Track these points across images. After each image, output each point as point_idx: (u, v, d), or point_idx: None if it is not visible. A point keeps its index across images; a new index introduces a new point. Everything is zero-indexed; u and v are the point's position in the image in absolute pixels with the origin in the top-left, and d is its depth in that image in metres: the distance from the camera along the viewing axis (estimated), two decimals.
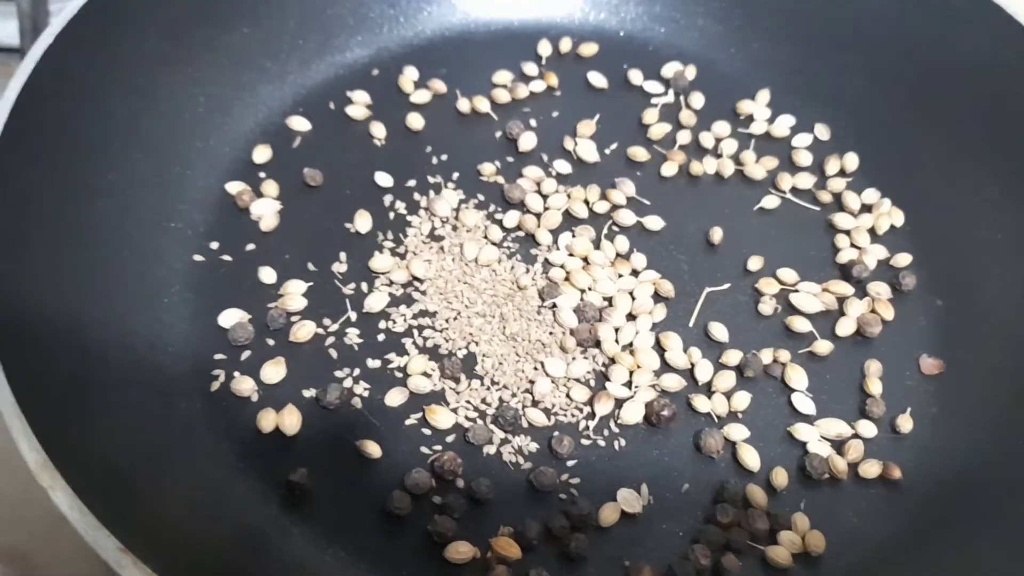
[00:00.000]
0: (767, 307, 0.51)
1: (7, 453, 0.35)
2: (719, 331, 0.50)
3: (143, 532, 0.35)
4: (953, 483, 0.45)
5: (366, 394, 0.47)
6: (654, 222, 0.54)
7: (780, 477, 0.45)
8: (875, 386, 0.49)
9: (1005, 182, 0.53)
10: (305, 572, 0.41)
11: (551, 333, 0.49)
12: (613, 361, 0.48)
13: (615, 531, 0.44)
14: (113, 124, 0.50)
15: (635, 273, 0.52)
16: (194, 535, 0.39)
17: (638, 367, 0.48)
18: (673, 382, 0.48)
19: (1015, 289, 0.51)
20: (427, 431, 0.46)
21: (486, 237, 0.53)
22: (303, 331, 0.48)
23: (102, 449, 0.40)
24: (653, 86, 0.61)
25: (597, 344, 0.49)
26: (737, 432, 0.47)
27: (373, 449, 0.45)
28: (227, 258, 0.51)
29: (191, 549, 0.38)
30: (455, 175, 0.56)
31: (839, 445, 0.47)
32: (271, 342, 0.48)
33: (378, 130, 0.57)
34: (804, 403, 0.48)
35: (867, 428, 0.47)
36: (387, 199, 0.54)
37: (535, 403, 0.47)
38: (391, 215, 0.54)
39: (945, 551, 0.43)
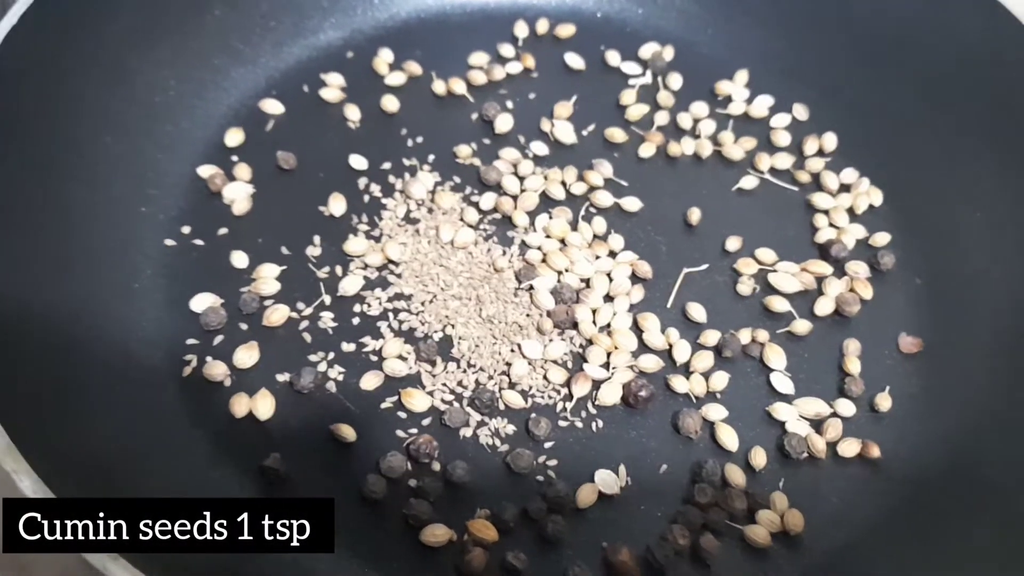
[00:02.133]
0: (745, 287, 0.51)
1: None
2: (697, 312, 0.49)
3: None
4: (933, 462, 0.45)
5: (341, 378, 0.46)
6: (632, 203, 0.54)
7: (759, 457, 0.45)
8: (854, 365, 0.48)
9: (984, 160, 0.52)
10: (280, 558, 0.41)
11: (528, 315, 0.49)
12: (590, 343, 0.48)
13: (593, 513, 0.43)
14: (81, 107, 0.49)
15: (612, 254, 0.52)
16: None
17: (615, 348, 0.48)
18: (651, 363, 0.48)
19: (994, 267, 0.50)
20: (403, 414, 0.46)
21: (462, 219, 0.52)
22: (276, 315, 0.48)
23: (70, 434, 0.39)
24: (631, 67, 0.60)
25: (574, 326, 0.48)
26: (715, 412, 0.46)
27: (348, 432, 0.44)
28: (199, 242, 0.50)
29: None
30: (431, 157, 0.55)
31: (818, 424, 0.47)
32: (244, 326, 0.48)
33: (352, 113, 0.56)
34: (783, 383, 0.48)
35: (846, 407, 0.47)
36: (362, 182, 0.54)
37: (512, 385, 0.47)
38: (366, 198, 0.53)
39: (926, 530, 0.42)
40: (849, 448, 0.46)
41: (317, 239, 0.51)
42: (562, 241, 0.52)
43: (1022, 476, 0.42)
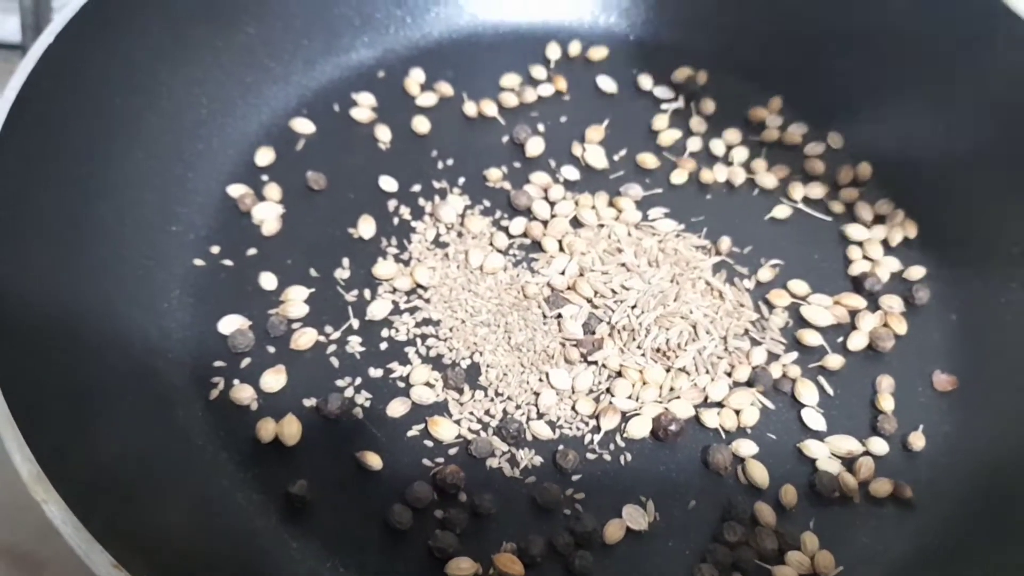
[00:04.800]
0: (777, 319, 0.50)
1: (4, 451, 0.34)
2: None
3: (138, 546, 0.34)
4: (967, 503, 0.44)
5: (368, 404, 0.46)
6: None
7: (789, 495, 0.44)
8: (887, 402, 0.48)
9: (1022, 194, 0.52)
10: None
11: (562, 343, 0.48)
12: (619, 374, 0.47)
13: (620, 548, 0.43)
14: (114, 124, 0.49)
15: None
16: (190, 549, 0.39)
17: (644, 382, 0.47)
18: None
19: None
20: (429, 443, 0.45)
21: (491, 244, 0.52)
22: (304, 338, 0.47)
23: (98, 460, 0.39)
24: (663, 91, 0.60)
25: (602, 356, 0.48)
26: (746, 448, 0.46)
27: (374, 460, 0.44)
28: (228, 263, 0.50)
29: (187, 564, 0.37)
30: (461, 180, 0.55)
31: (850, 462, 0.46)
32: (271, 349, 0.48)
33: (383, 133, 0.56)
34: (814, 419, 0.47)
35: (878, 445, 0.46)
36: (391, 204, 0.53)
37: (540, 415, 0.46)
38: (395, 220, 0.53)
39: (960, 573, 0.42)
40: (881, 488, 0.45)
41: (346, 262, 0.51)
42: (591, 267, 0.51)
43: None
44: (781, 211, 0.55)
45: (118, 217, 0.48)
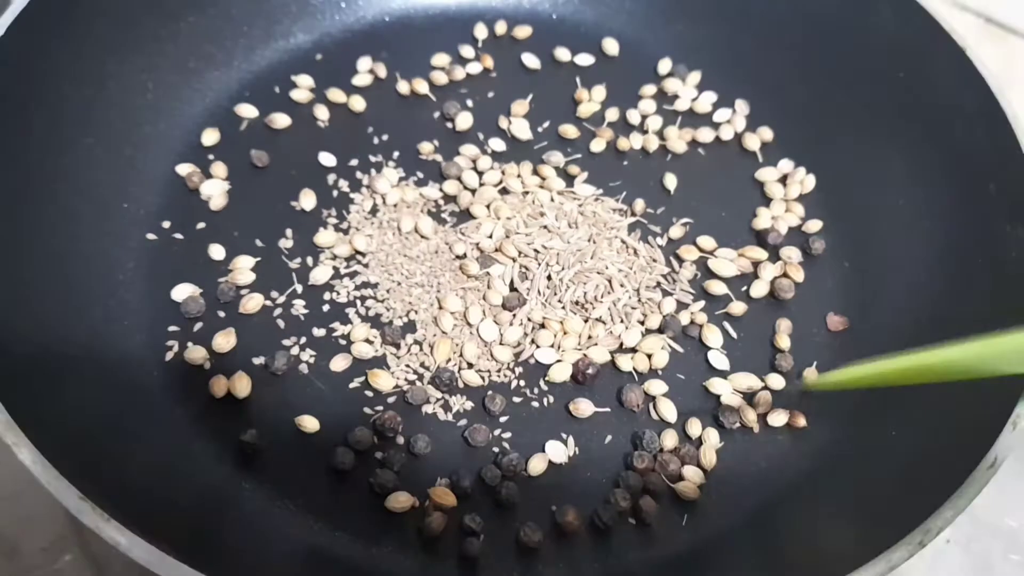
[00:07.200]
0: (687, 272, 0.55)
1: None
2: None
3: (103, 487, 0.38)
4: (850, 427, 0.49)
5: (312, 360, 0.50)
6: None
7: (695, 427, 0.49)
8: (784, 342, 0.52)
9: (908, 154, 0.56)
10: (256, 525, 0.45)
11: (484, 299, 0.52)
12: (542, 326, 0.52)
13: (543, 479, 0.47)
14: (65, 110, 0.52)
15: None
16: (151, 491, 0.42)
17: (565, 332, 0.52)
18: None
19: (915, 252, 0.54)
20: (369, 393, 0.49)
21: (424, 212, 0.56)
22: (252, 303, 0.51)
23: (64, 413, 0.42)
24: (584, 59, 0.64)
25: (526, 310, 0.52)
26: (656, 387, 0.50)
27: (311, 424, 0.48)
28: (179, 236, 0.54)
29: (149, 504, 0.41)
30: (395, 154, 0.58)
31: (750, 397, 0.50)
32: (222, 314, 0.51)
33: (321, 112, 0.60)
34: (719, 360, 0.52)
35: (776, 381, 0.51)
36: (331, 178, 0.57)
37: (470, 365, 0.50)
38: (334, 193, 0.56)
39: (839, 488, 0.47)
40: (778, 419, 0.49)
41: (289, 232, 0.54)
42: (516, 231, 0.55)
43: (917, 443, 0.46)
44: (691, 174, 0.59)
45: (73, 198, 0.51)
